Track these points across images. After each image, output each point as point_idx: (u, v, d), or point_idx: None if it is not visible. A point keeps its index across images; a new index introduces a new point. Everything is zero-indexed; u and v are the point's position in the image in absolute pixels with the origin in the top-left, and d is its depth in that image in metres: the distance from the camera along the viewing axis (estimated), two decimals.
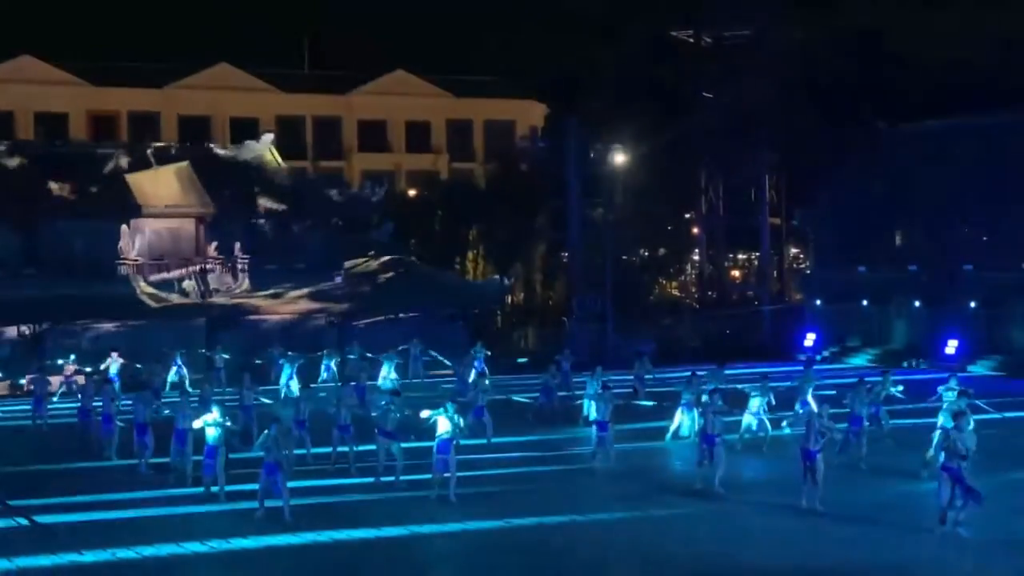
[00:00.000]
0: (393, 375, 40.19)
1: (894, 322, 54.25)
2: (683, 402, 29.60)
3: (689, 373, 31.24)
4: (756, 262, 75.14)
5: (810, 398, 29.20)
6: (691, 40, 69.25)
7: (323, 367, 42.58)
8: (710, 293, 71.13)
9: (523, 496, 23.32)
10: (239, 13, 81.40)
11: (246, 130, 68.01)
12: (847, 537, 19.62)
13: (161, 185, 50.51)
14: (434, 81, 77.04)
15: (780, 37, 66.52)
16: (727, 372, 35.36)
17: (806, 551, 18.88)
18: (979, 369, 48.32)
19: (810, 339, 55.72)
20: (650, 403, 33.21)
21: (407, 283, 51.89)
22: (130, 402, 28.36)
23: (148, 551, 19.14)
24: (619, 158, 63.07)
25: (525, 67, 75.40)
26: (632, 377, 36.61)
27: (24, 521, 21.06)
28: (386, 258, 52.97)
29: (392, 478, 23.98)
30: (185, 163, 50.12)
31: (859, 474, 24.93)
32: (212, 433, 23.15)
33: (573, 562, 18.43)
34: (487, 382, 32.75)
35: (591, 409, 27.82)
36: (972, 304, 50.59)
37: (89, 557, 18.86)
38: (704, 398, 26.26)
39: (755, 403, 28.36)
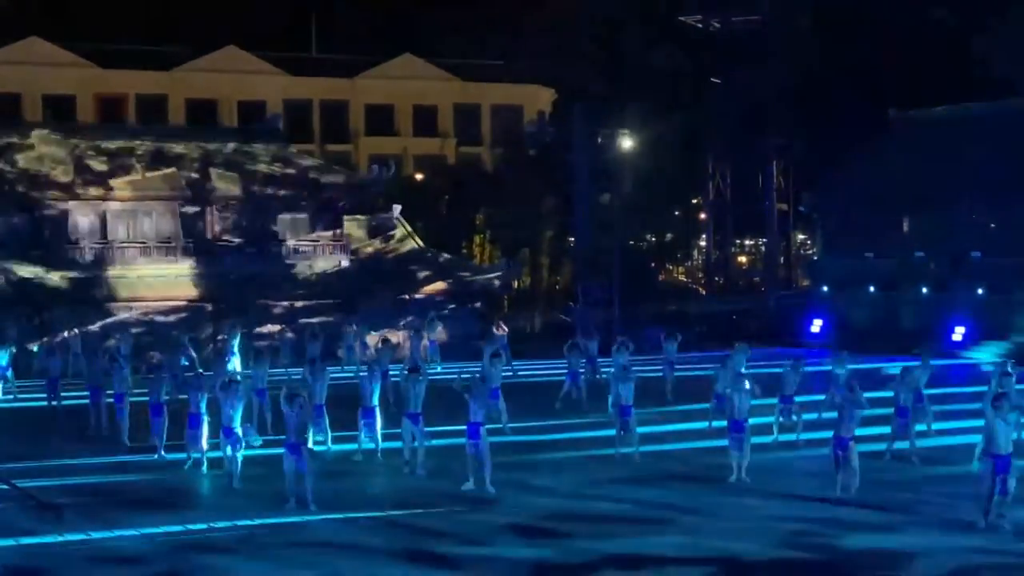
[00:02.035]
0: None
1: (901, 309, 54.15)
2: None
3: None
4: (763, 248, 75.10)
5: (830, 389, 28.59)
6: (699, 25, 69.12)
7: (344, 348, 42.49)
8: (717, 279, 71.13)
9: (534, 484, 23.26)
10: None
11: (253, 113, 68.09)
12: (866, 525, 19.54)
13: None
14: (441, 65, 76.98)
15: (789, 22, 66.40)
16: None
17: (814, 540, 18.83)
18: (986, 356, 48.26)
19: (816, 325, 55.64)
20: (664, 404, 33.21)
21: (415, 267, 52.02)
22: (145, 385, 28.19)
23: (154, 531, 19.19)
24: (626, 143, 62.97)
25: (533, 52, 75.31)
26: (662, 363, 35.54)
27: (31, 501, 21.11)
28: (394, 241, 53.02)
29: (413, 455, 23.83)
30: (172, 169, 49.92)
31: (894, 464, 24.22)
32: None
33: (576, 553, 18.40)
34: (503, 363, 32.31)
35: (615, 393, 26.01)
36: (980, 291, 50.53)
37: (95, 535, 18.91)
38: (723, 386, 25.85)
39: (789, 387, 27.46)
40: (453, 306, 51.25)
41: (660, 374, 34.78)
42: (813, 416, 27.62)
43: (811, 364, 30.99)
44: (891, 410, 25.28)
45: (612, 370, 29.02)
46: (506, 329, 42.61)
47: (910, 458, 24.57)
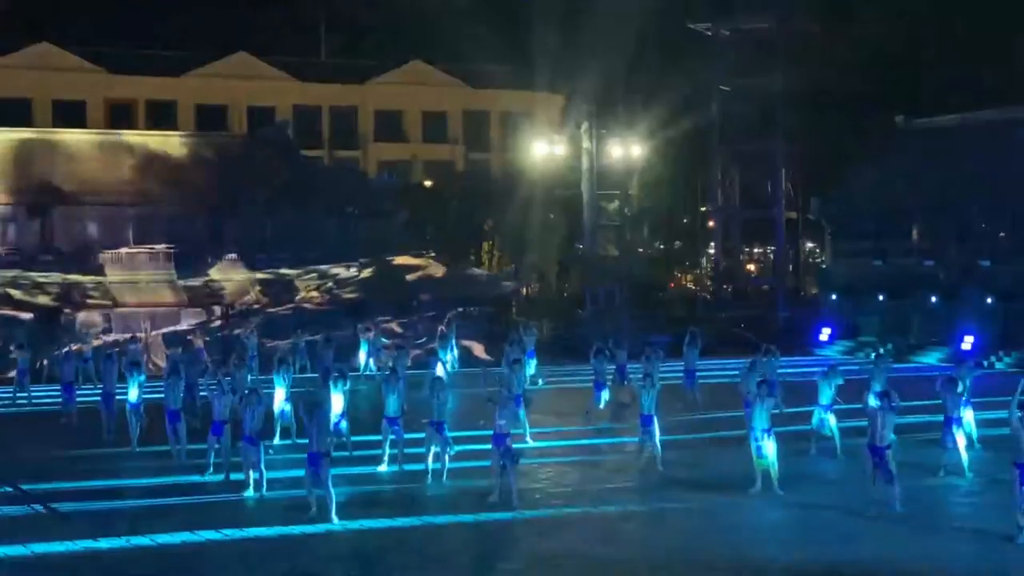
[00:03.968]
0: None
1: (910, 317, 54.04)
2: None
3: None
4: (772, 255, 75.01)
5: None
6: (708, 32, 69.10)
7: (363, 355, 42.43)
8: (725, 286, 71.02)
9: (541, 488, 23.23)
10: (257, 2, 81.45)
11: (263, 119, 68.19)
12: (874, 533, 19.48)
13: None
14: (451, 72, 77.02)
15: (797, 30, 66.37)
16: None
17: (839, 549, 18.78)
18: (998, 365, 48.18)
19: (825, 333, 55.56)
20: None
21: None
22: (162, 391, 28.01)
23: (163, 538, 19.19)
24: (635, 150, 62.97)
25: (542, 58, 75.29)
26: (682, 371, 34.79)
27: (40, 508, 21.14)
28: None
29: (437, 464, 23.62)
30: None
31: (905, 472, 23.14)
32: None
33: (582, 555, 18.40)
34: (526, 369, 32.03)
35: (641, 402, 25.38)
36: (989, 299, 50.44)
37: (104, 544, 18.91)
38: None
39: (825, 396, 26.50)
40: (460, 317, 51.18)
41: (680, 381, 34.29)
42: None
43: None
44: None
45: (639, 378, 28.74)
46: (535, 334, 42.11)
47: (941, 469, 23.99)
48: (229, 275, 49.34)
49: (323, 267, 50.92)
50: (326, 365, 36.00)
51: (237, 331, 44.15)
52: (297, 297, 49.69)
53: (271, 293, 49.46)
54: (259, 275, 49.78)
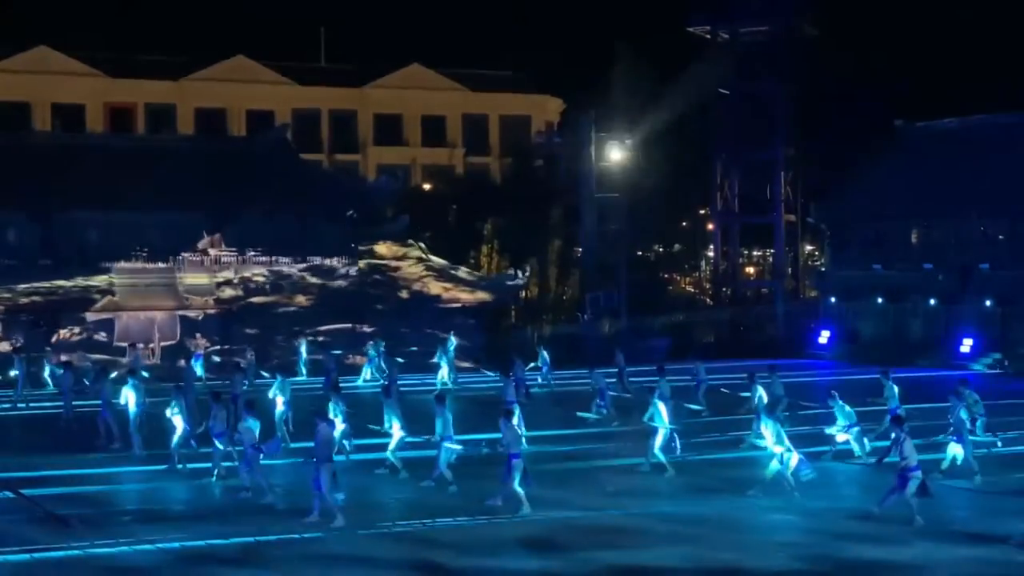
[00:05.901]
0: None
1: (909, 320, 54.13)
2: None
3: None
4: (771, 259, 75.04)
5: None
6: (708, 36, 69.18)
7: (367, 362, 42.37)
8: (724, 289, 71.06)
9: (543, 493, 23.19)
10: (256, 6, 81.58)
11: (262, 122, 68.18)
12: (875, 538, 19.48)
13: None
14: (450, 75, 77.05)
15: (797, 33, 66.44)
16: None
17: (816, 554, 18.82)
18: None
19: (824, 336, 55.63)
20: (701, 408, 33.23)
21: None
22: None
23: (164, 543, 19.21)
24: (634, 154, 62.96)
25: (541, 62, 75.47)
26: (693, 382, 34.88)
27: (40, 512, 21.14)
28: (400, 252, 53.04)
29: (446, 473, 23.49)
30: None
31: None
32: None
33: (585, 560, 18.43)
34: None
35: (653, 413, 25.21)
36: (987, 303, 50.52)
37: (103, 549, 18.92)
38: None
39: (841, 418, 26.03)
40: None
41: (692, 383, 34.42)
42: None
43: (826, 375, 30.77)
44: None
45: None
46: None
47: (972, 477, 23.77)
48: (228, 278, 49.34)
49: (323, 270, 50.93)
50: (330, 368, 36.14)
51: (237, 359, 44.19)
52: (297, 300, 49.73)
53: (271, 296, 49.51)
54: (259, 278, 49.81)
